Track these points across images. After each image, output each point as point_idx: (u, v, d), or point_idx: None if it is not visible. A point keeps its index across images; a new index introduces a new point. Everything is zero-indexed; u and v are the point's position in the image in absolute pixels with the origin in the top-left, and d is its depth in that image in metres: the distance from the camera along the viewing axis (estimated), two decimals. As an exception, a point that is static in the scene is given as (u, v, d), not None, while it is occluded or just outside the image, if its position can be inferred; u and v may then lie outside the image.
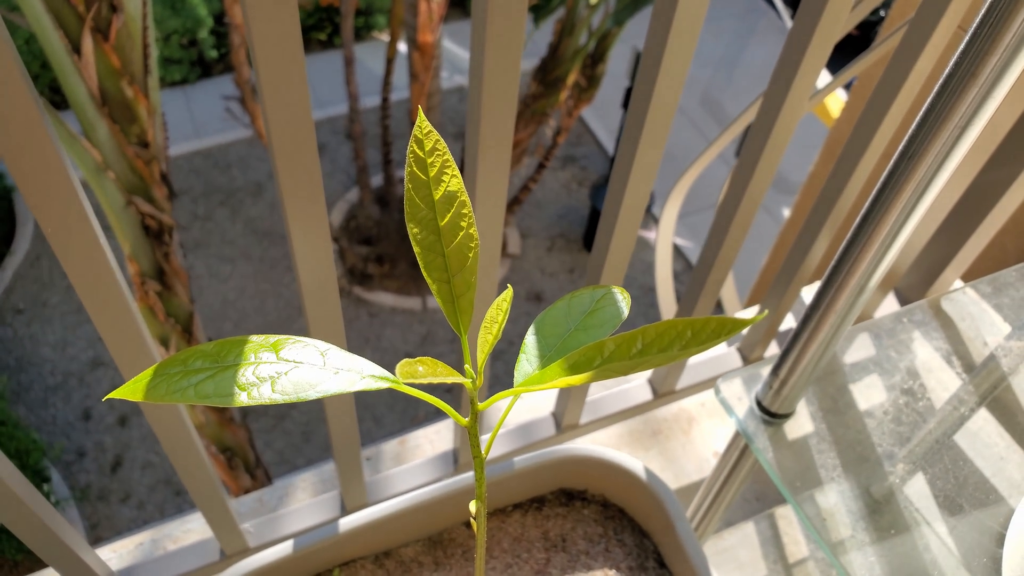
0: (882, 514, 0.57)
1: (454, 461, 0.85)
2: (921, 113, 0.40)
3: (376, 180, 4.59)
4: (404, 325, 4.10)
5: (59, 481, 3.39)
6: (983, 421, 0.62)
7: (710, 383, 0.97)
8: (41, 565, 0.76)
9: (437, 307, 4.20)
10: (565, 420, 0.88)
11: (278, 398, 0.24)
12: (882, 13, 4.40)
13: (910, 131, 0.41)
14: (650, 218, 4.51)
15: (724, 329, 0.22)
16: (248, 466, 2.57)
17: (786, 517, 0.94)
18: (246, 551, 0.75)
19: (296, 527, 0.77)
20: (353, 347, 3.95)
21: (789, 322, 1.05)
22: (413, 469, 0.83)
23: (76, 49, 1.95)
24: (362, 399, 3.78)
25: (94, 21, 1.95)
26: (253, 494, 0.85)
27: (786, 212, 4.51)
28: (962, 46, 0.37)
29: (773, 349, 0.99)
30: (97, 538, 3.29)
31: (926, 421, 0.60)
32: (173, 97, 4.99)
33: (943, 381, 0.63)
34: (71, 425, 3.59)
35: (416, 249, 0.26)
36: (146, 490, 3.44)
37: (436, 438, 0.93)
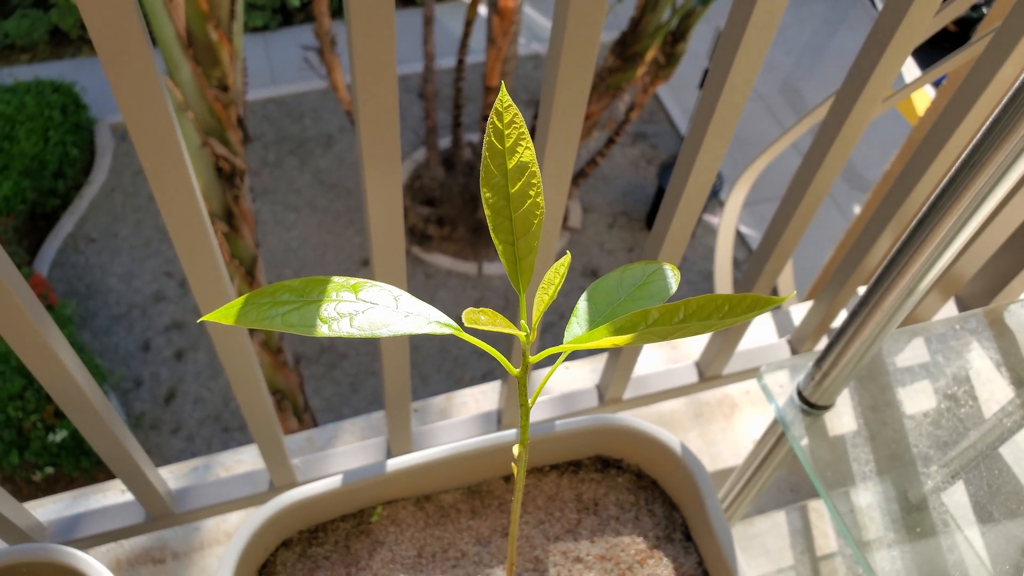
0: (911, 515, 0.58)
1: (497, 421, 0.88)
2: (989, 120, 0.41)
3: (444, 142, 4.62)
4: (458, 288, 4.15)
5: (116, 407, 3.56)
6: (1027, 435, 0.62)
7: (756, 372, 0.98)
8: (96, 480, 0.82)
9: (492, 273, 4.24)
10: (609, 394, 0.90)
11: (355, 332, 0.27)
12: (984, 10, 4.22)
13: (976, 137, 0.41)
14: (716, 203, 4.46)
15: (759, 305, 0.23)
16: (296, 410, 2.66)
17: (818, 511, 0.95)
18: (294, 485, 0.79)
19: (343, 466, 0.81)
20: (407, 304, 4.03)
21: (843, 319, 1.05)
22: (457, 424, 0.86)
23: (168, -10, 2.01)
24: (411, 358, 3.86)
25: (188, -35, 2.01)
26: (303, 433, 0.90)
27: (857, 209, 4.40)
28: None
29: (823, 344, 0.99)
30: (150, 462, 3.46)
31: (966, 428, 0.60)
32: (253, 43, 5.09)
33: (989, 391, 0.63)
34: (131, 354, 3.75)
35: (487, 212, 0.29)
36: (196, 423, 3.58)
37: (482, 398, 0.96)
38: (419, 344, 3.89)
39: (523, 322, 0.29)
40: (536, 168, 0.28)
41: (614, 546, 0.59)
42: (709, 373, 0.93)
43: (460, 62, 3.75)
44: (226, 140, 2.41)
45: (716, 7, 4.66)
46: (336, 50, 3.41)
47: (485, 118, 3.71)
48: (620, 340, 0.25)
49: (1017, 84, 0.38)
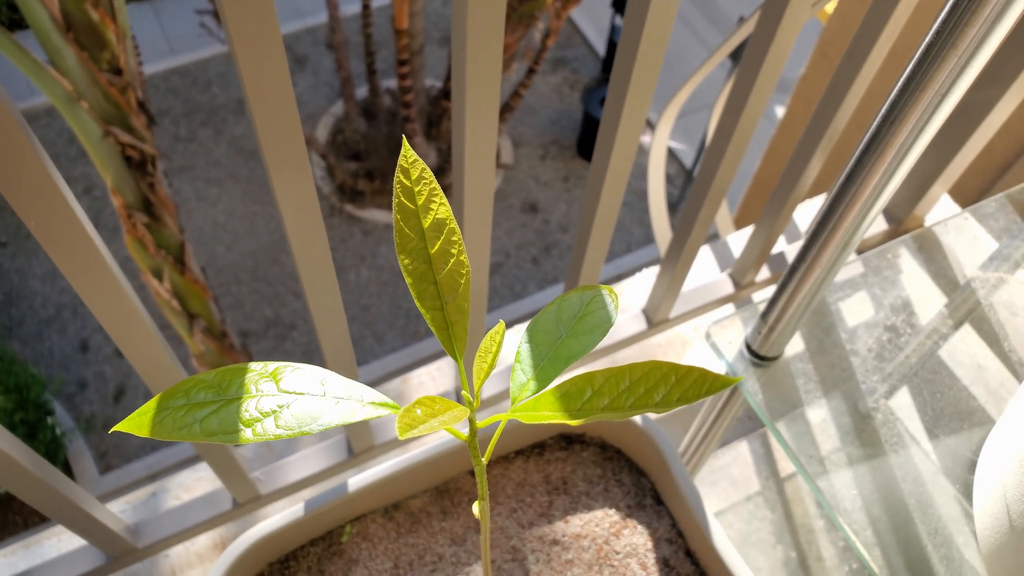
0: (862, 446, 0.59)
1: (457, 401, 0.87)
2: (903, 77, 0.40)
3: (361, 92, 4.49)
4: (397, 241, 4.10)
5: (63, 413, 3.44)
6: (962, 355, 0.63)
7: (703, 309, 0.99)
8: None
9: (429, 221, 4.18)
10: (561, 353, 0.90)
11: (282, 433, 0.25)
12: None
13: (892, 93, 0.40)
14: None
15: (704, 384, 0.22)
16: (253, 390, 2.62)
17: (787, 426, 0.97)
18: (258, 499, 0.78)
19: (305, 472, 0.80)
20: (348, 265, 3.96)
21: (781, 244, 1.06)
22: (415, 410, 0.85)
23: (33, -29, 1.87)
24: (363, 318, 3.82)
25: (51, -59, 1.86)
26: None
27: (779, 111, 4.43)
28: None
29: (764, 273, 1.00)
30: (107, 466, 3.38)
31: (907, 356, 0.61)
32: (142, 13, 4.81)
33: (925, 316, 0.65)
34: (69, 357, 3.63)
35: (408, 280, 0.27)
36: (154, 414, 3.51)
37: (438, 375, 0.95)
38: (369, 304, 3.85)
39: (465, 393, 0.28)
40: (455, 224, 0.26)
41: (588, 522, 0.60)
42: (657, 319, 0.94)
43: (366, 7, 3.61)
44: (130, 126, 2.29)
45: (618, -81, 4.55)
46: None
47: (400, 62, 3.60)
48: (571, 421, 0.24)
49: (929, 37, 0.37)
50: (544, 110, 4.57)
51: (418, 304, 0.27)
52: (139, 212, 2.34)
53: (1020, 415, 0.47)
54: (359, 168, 4.26)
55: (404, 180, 0.26)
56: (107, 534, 0.69)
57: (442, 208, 0.26)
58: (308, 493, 0.85)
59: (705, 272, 1.03)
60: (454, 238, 0.27)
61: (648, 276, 1.06)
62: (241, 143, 4.36)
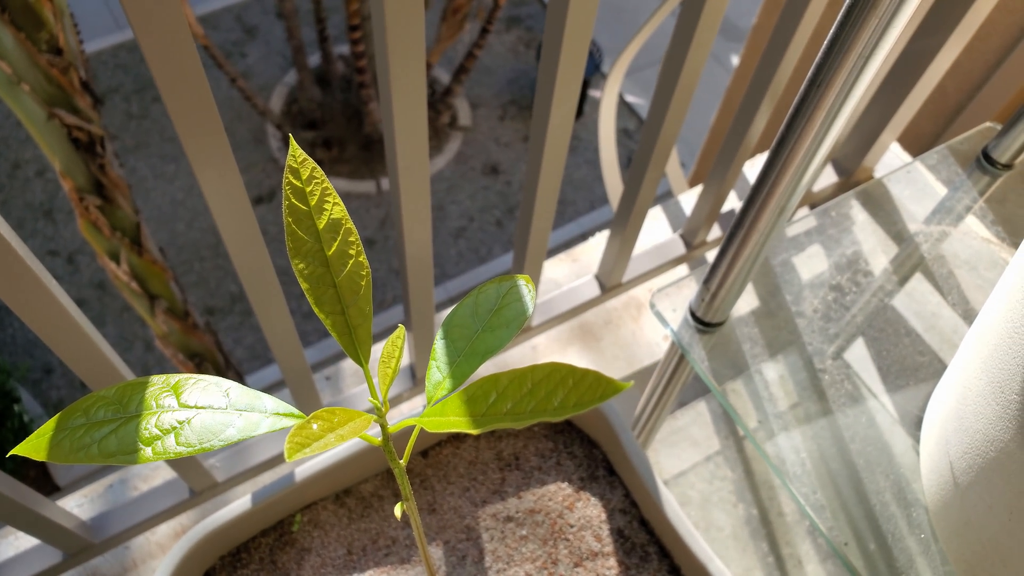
0: (810, 406, 0.60)
1: (411, 376, 0.86)
2: (826, 41, 0.39)
3: (314, 60, 4.40)
4: (360, 210, 4.06)
5: (29, 400, 3.39)
6: (908, 311, 0.64)
7: (656, 272, 0.99)
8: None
9: (392, 188, 4.14)
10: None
11: (184, 451, 0.24)
12: None
13: (818, 57, 0.40)
14: (599, 76, 4.41)
15: (599, 389, 0.22)
16: (219, 369, 2.60)
17: (735, 391, 0.98)
18: (215, 486, 0.77)
19: (263, 456, 0.79)
20: (311, 237, 3.92)
21: (733, 202, 1.06)
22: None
23: (-40, -49, 1.79)
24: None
25: (-24, -82, 1.78)
26: (217, 425, 0.87)
27: (735, 60, 4.41)
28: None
29: (716, 232, 1.00)
30: (82, 448, 3.34)
31: (853, 315, 0.62)
32: (84, -15, 4.64)
33: (870, 273, 0.65)
34: (32, 343, 3.56)
35: (304, 285, 0.26)
36: (123, 397, 3.46)
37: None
38: (332, 275, 3.81)
39: (372, 400, 0.27)
40: (351, 224, 0.25)
41: (541, 497, 0.60)
42: (610, 283, 0.94)
43: (312, -27, 3.52)
44: (75, 107, 2.22)
45: None
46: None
47: (352, 27, 3.52)
48: (472, 430, 0.23)
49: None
50: (501, 70, 4.51)
51: (316, 310, 0.26)
52: (91, 195, 2.28)
53: (960, 374, 0.48)
54: (316, 137, 4.19)
55: (294, 180, 0.25)
56: (60, 532, 0.68)
57: (336, 208, 0.25)
58: (269, 477, 0.85)
59: (657, 233, 1.02)
60: (351, 238, 0.26)
61: (601, 240, 1.05)
62: (194, 117, 4.25)
